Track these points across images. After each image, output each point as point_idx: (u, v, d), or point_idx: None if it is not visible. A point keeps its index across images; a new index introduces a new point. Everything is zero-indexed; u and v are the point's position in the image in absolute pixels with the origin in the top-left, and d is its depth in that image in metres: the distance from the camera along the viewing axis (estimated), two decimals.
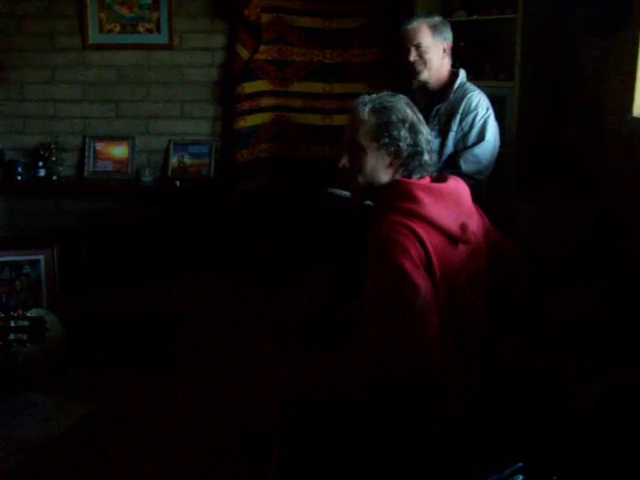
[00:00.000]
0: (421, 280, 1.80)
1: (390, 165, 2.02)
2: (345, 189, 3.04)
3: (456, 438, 1.77)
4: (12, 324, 2.48)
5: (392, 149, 2.01)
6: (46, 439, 2.65)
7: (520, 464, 1.40)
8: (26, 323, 2.50)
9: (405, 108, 2.05)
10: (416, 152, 2.01)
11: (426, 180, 2.04)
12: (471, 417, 1.85)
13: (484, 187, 3.23)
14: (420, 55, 3.26)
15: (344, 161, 2.08)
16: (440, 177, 2.10)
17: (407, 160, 2.01)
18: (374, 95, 2.08)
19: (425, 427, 1.81)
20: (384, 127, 2.00)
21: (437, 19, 3.29)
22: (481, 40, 3.97)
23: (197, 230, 4.48)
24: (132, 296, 4.00)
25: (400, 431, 1.80)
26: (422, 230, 1.85)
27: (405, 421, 1.80)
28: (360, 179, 2.06)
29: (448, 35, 3.31)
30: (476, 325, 2.01)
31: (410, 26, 3.26)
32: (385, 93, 2.10)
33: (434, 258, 1.84)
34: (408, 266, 1.79)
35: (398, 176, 2.03)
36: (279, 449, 1.97)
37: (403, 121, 2.01)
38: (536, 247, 3.16)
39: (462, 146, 3.24)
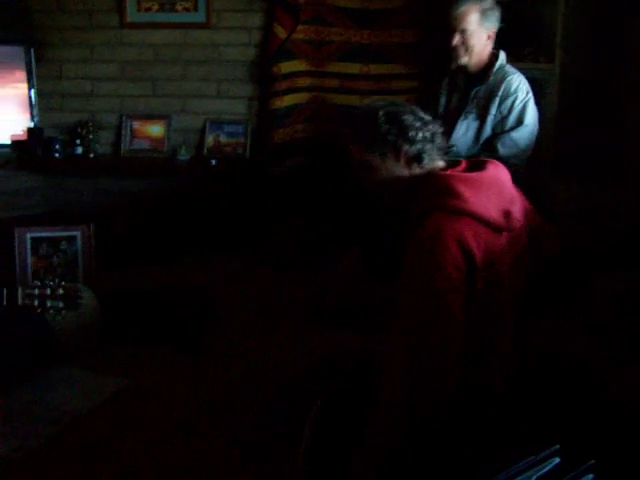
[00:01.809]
0: (455, 295, 1.78)
1: (397, 159, 2.01)
2: None
3: (492, 420, 1.76)
4: (48, 292, 2.51)
5: (388, 148, 2.00)
6: (81, 412, 2.68)
7: (557, 446, 1.39)
8: (61, 291, 2.53)
9: (372, 106, 2.08)
10: (406, 134, 1.99)
11: (461, 167, 2.01)
12: (507, 399, 1.84)
13: (522, 171, 3.19)
14: (464, 41, 3.23)
15: (364, 184, 2.12)
16: (478, 163, 2.04)
17: (406, 146, 2.00)
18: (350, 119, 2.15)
19: (459, 408, 1.80)
20: (368, 137, 2.02)
21: (487, 2, 3.24)
22: (521, 21, 3.91)
23: (232, 209, 4.48)
24: (167, 274, 4.03)
25: (435, 415, 1.79)
26: (468, 230, 1.82)
27: (440, 406, 1.79)
28: (384, 186, 2.08)
29: (495, 21, 3.27)
30: (514, 308, 1.99)
31: (459, 10, 3.22)
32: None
33: (478, 256, 1.81)
34: (440, 282, 1.77)
35: (411, 162, 2.01)
36: (312, 426, 1.97)
37: (376, 119, 2.01)
38: (574, 231, 3.13)
39: (500, 129, 3.21)
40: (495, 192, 1.94)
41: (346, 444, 1.88)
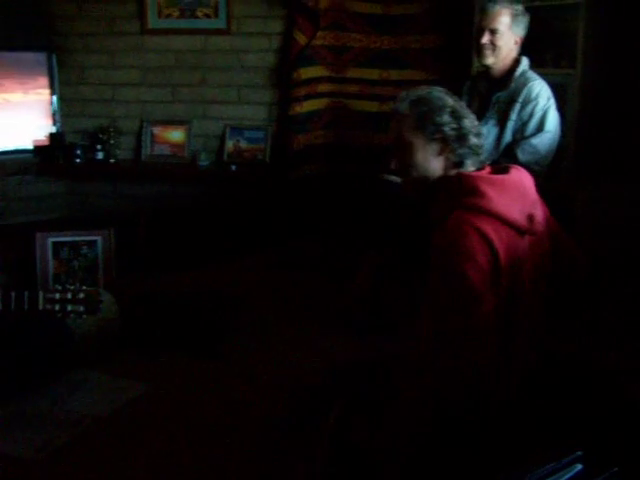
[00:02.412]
0: (484, 288, 1.78)
1: (440, 153, 2.01)
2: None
3: (514, 425, 1.75)
4: (69, 296, 2.53)
5: (438, 136, 1.99)
6: (101, 415, 2.68)
7: (579, 452, 1.38)
8: (82, 295, 2.55)
9: (443, 95, 2.05)
10: (462, 135, 2.00)
11: (486, 171, 2.02)
12: (528, 405, 1.83)
13: (542, 177, 3.18)
14: (492, 40, 3.22)
15: (393, 164, 2.09)
16: (501, 167, 2.06)
17: (455, 145, 2.00)
18: (410, 91, 2.08)
19: (481, 413, 1.79)
20: (426, 116, 2.00)
21: (519, 8, 3.24)
22: (542, 27, 3.89)
23: (251, 215, 4.50)
24: (186, 279, 4.04)
25: (457, 420, 1.78)
26: (490, 227, 1.82)
27: (460, 410, 1.79)
28: (414, 173, 2.04)
29: (524, 27, 3.26)
30: (535, 314, 1.98)
31: (493, 8, 3.21)
32: (421, 86, 2.10)
33: (502, 255, 1.82)
34: (473, 276, 1.77)
35: (451, 165, 2.01)
36: (330, 429, 1.97)
37: (443, 107, 2.01)
38: (594, 238, 3.11)
39: (520, 136, 3.19)
40: (518, 195, 1.95)
41: (363, 451, 1.88)
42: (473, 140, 2.01)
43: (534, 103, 3.15)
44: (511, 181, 1.97)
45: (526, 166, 3.05)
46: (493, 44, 3.23)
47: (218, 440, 2.53)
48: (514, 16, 3.23)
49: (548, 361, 1.99)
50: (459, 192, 1.92)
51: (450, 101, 2.04)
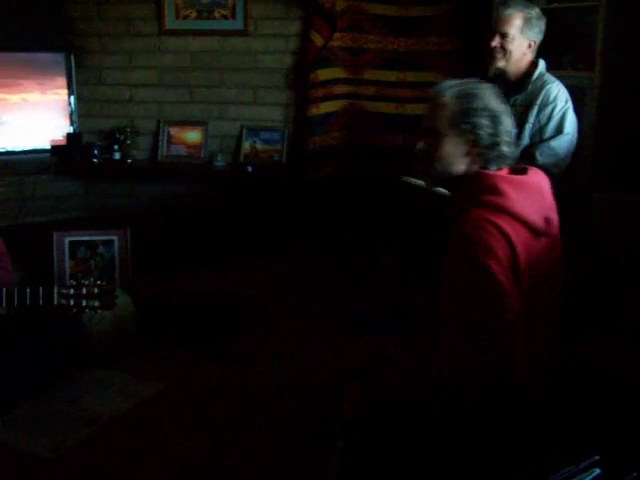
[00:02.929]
0: (508, 282, 1.77)
1: (467, 154, 1.96)
2: (419, 178, 3.03)
3: (531, 429, 1.74)
4: (84, 291, 2.54)
5: (471, 137, 1.94)
6: (116, 414, 2.70)
7: (597, 457, 1.37)
8: (97, 290, 2.56)
9: (489, 96, 1.97)
10: (495, 143, 1.94)
11: (505, 171, 1.99)
12: (546, 408, 1.82)
13: (560, 180, 3.16)
14: (502, 44, 3.21)
15: (421, 145, 2.03)
16: (519, 168, 2.03)
17: (485, 150, 1.94)
18: (459, 80, 2.01)
19: (499, 416, 1.79)
20: (465, 113, 1.94)
21: (534, 12, 3.22)
22: (560, 29, 3.87)
23: (268, 215, 4.50)
24: (202, 279, 4.05)
25: (475, 423, 1.78)
26: (508, 226, 1.81)
27: (479, 413, 1.78)
28: (436, 165, 2.01)
29: (539, 31, 3.25)
30: (550, 316, 1.98)
31: (505, 12, 3.20)
32: (472, 80, 2.03)
33: (520, 253, 1.81)
34: (495, 268, 1.75)
35: (475, 167, 1.97)
36: (345, 434, 1.96)
37: (484, 109, 1.94)
38: (611, 243, 3.10)
39: (538, 138, 3.18)
40: (537, 197, 1.94)
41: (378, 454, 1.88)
42: (504, 148, 1.96)
43: (552, 106, 3.14)
44: (530, 182, 1.96)
45: (545, 169, 3.04)
46: (503, 48, 3.22)
47: (231, 440, 2.54)
48: (527, 20, 3.21)
49: (564, 364, 1.98)
50: (479, 190, 1.91)
51: (493, 104, 1.97)
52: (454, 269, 1.84)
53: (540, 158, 3.13)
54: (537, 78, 3.22)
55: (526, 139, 3.20)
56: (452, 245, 1.86)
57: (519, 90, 3.24)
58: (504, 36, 3.20)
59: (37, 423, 2.61)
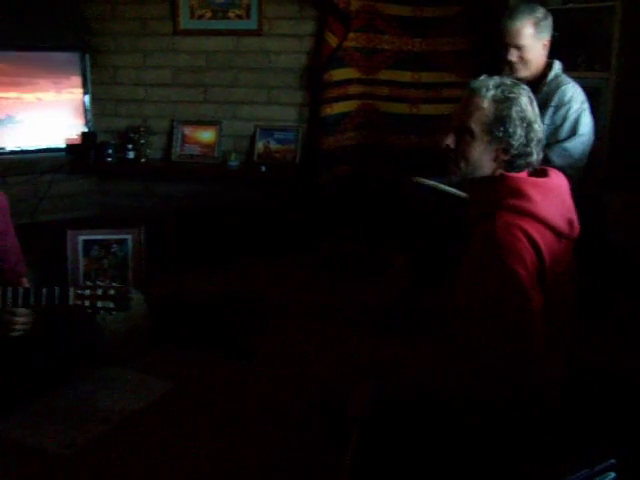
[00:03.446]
0: (532, 287, 1.77)
1: (495, 159, 1.95)
2: (432, 177, 3.02)
3: (547, 432, 1.74)
4: (99, 292, 2.55)
5: (502, 145, 1.92)
6: (129, 412, 2.71)
7: (612, 460, 1.36)
8: (112, 292, 2.56)
9: (526, 104, 1.95)
10: (525, 152, 1.93)
11: (524, 173, 1.98)
12: (561, 411, 1.82)
13: (575, 181, 3.15)
14: (521, 56, 3.19)
15: (449, 141, 1.99)
16: (539, 170, 2.02)
17: (514, 158, 1.93)
18: (498, 80, 1.98)
19: (518, 419, 1.78)
20: (501, 120, 1.91)
21: (540, 13, 3.19)
22: (574, 30, 3.86)
23: (281, 215, 4.50)
24: (215, 278, 4.06)
25: (494, 425, 1.77)
26: (534, 230, 1.81)
27: (500, 416, 1.78)
28: (462, 165, 1.98)
29: (549, 30, 3.22)
30: (569, 320, 1.98)
31: (513, 26, 3.16)
32: (509, 81, 1.99)
33: (546, 257, 1.81)
34: (523, 274, 1.76)
35: (500, 171, 1.96)
36: (359, 434, 1.96)
37: (522, 119, 1.92)
38: (628, 241, 3.08)
39: (554, 140, 3.16)
40: (559, 200, 1.94)
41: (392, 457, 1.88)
42: (534, 157, 1.95)
43: (567, 107, 3.12)
44: (553, 185, 1.96)
45: (560, 170, 3.04)
46: (523, 59, 3.20)
47: (244, 439, 2.54)
48: (536, 24, 3.18)
49: (579, 367, 1.97)
50: (503, 193, 1.90)
51: (529, 112, 1.95)
52: (479, 271, 1.84)
53: (555, 159, 3.11)
54: (552, 79, 3.20)
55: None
56: (477, 248, 1.86)
57: (534, 91, 3.18)
58: (520, 48, 3.18)
59: (51, 420, 2.63)
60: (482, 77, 2.00)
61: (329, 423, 2.51)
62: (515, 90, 1.96)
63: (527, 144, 1.93)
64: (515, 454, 1.69)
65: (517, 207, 1.84)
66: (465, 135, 1.96)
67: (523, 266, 1.76)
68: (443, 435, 1.78)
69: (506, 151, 1.93)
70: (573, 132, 3.12)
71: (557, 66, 3.23)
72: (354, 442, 1.94)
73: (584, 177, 3.22)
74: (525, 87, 2.02)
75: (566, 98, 3.12)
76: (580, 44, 3.79)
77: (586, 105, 3.15)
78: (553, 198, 1.91)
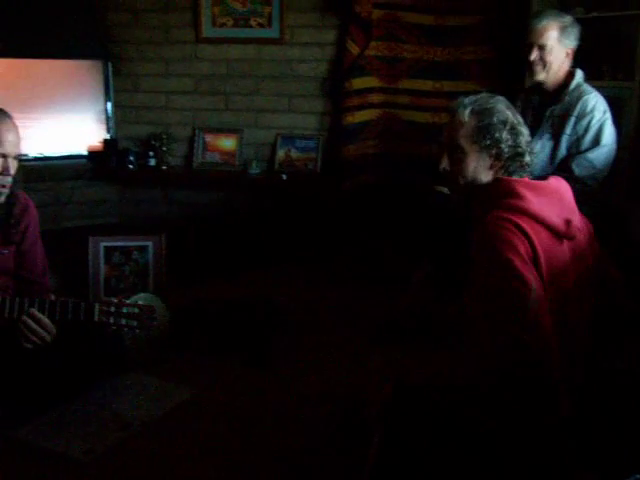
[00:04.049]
0: (531, 275, 1.77)
1: (491, 167, 2.03)
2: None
3: (565, 443, 1.72)
4: (124, 310, 2.56)
5: (493, 151, 2.01)
6: (148, 419, 2.71)
7: (637, 476, 1.34)
8: (137, 310, 2.58)
9: (505, 110, 2.04)
10: (517, 153, 2.02)
11: (525, 178, 2.03)
12: (578, 423, 1.80)
13: (597, 191, 3.13)
14: (541, 56, 3.17)
15: (444, 164, 2.09)
16: (540, 177, 2.09)
17: (508, 162, 2.02)
18: (473, 97, 2.07)
19: (534, 426, 1.76)
20: (485, 129, 2.01)
21: (568, 19, 3.18)
22: (598, 38, 3.83)
23: (302, 223, 4.50)
24: (235, 286, 4.06)
25: (510, 429, 1.76)
26: (527, 226, 1.83)
27: (515, 419, 1.76)
28: (461, 180, 2.06)
29: (575, 39, 3.20)
30: (582, 327, 1.96)
31: (539, 24, 3.16)
32: (484, 94, 2.09)
33: (540, 253, 1.82)
34: (517, 262, 1.77)
35: (498, 176, 2.03)
36: (380, 439, 1.95)
37: (504, 122, 2.01)
38: None
39: (576, 150, 3.14)
40: (556, 200, 1.97)
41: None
42: (526, 159, 2.04)
43: (590, 117, 3.09)
44: (548, 186, 2.00)
45: (581, 180, 3.03)
46: (543, 60, 3.19)
47: (262, 447, 2.53)
48: (562, 29, 3.17)
49: (600, 377, 1.95)
50: (497, 194, 1.95)
51: (510, 116, 2.04)
52: (478, 268, 1.86)
53: (577, 170, 3.10)
54: (574, 88, 3.17)
55: (563, 150, 3.16)
56: (475, 245, 1.88)
57: (556, 101, 3.20)
58: (542, 48, 3.17)
59: (70, 426, 2.63)
60: (459, 98, 2.09)
61: (347, 430, 2.50)
62: (491, 100, 2.06)
63: (516, 145, 2.01)
64: (532, 459, 1.67)
65: (510, 205, 1.89)
66: (457, 153, 2.05)
67: (516, 254, 1.78)
68: (461, 440, 1.77)
69: (498, 156, 2.01)
70: (596, 142, 3.10)
71: (579, 75, 3.21)
72: (374, 450, 1.93)
73: (607, 187, 3.20)
74: (501, 97, 2.10)
75: (588, 108, 3.10)
76: (604, 53, 3.77)
77: (608, 115, 3.13)
78: (548, 198, 1.94)
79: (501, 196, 1.93)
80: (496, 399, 1.77)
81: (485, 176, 2.03)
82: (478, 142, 2.01)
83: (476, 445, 1.76)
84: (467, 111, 2.03)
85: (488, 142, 2.00)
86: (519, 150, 2.01)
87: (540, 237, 1.84)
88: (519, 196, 1.90)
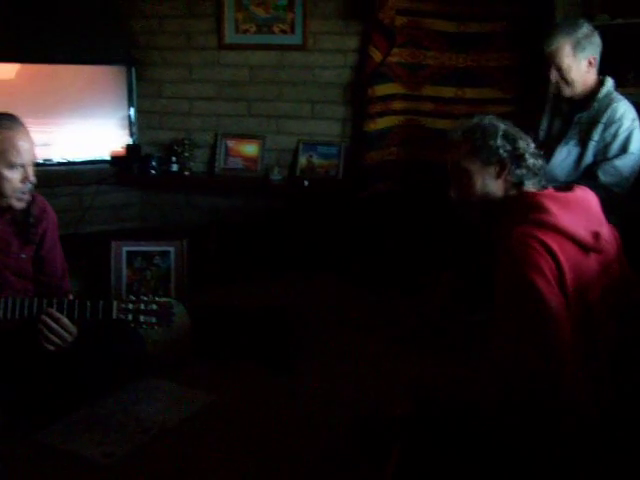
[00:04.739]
0: (554, 297, 1.76)
1: (498, 175, 2.04)
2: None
3: (588, 458, 1.70)
4: (142, 307, 2.56)
5: (494, 159, 2.03)
6: (168, 424, 2.71)
7: None
8: (155, 307, 2.58)
9: (494, 121, 2.10)
10: (518, 155, 2.03)
11: (548, 191, 2.02)
12: (605, 438, 1.77)
13: (623, 200, 3.10)
14: (562, 76, 3.16)
15: (453, 192, 2.15)
16: (565, 187, 2.07)
17: (513, 166, 2.03)
18: (463, 120, 2.17)
19: (554, 442, 1.74)
20: (480, 141, 2.05)
21: (581, 33, 3.14)
22: (624, 45, 3.80)
23: (323, 230, 4.49)
24: (256, 291, 4.06)
25: (529, 444, 1.74)
26: (553, 241, 1.81)
27: (534, 434, 1.74)
28: (473, 199, 2.08)
29: (594, 47, 3.17)
30: (608, 340, 1.93)
31: (550, 48, 3.15)
32: (474, 117, 2.15)
33: (566, 270, 1.80)
34: (540, 283, 1.76)
35: (510, 186, 2.04)
36: (401, 445, 1.95)
37: (495, 131, 2.06)
38: None
39: (602, 157, 3.11)
40: (583, 212, 1.95)
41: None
42: (530, 160, 2.05)
43: (618, 124, 3.06)
44: (575, 198, 1.98)
45: (607, 188, 3.00)
46: (564, 79, 3.17)
47: (283, 453, 2.52)
48: (576, 44, 3.13)
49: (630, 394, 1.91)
50: (522, 209, 1.94)
51: (502, 125, 2.08)
52: (502, 285, 1.85)
53: (603, 177, 3.07)
54: (604, 96, 3.14)
55: (589, 157, 3.13)
56: (499, 262, 1.87)
57: (584, 107, 3.17)
58: (559, 69, 3.15)
59: (92, 429, 2.64)
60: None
61: (367, 437, 2.49)
62: (478, 118, 2.13)
63: (515, 149, 2.04)
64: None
65: (535, 219, 1.87)
66: (462, 177, 2.09)
67: (541, 275, 1.77)
68: (481, 453, 1.76)
69: (501, 163, 2.03)
70: (623, 150, 3.07)
71: (609, 83, 3.18)
72: (398, 447, 1.93)
73: (633, 196, 3.17)
74: (491, 116, 2.15)
75: (617, 116, 3.07)
76: (629, 60, 3.73)
77: (637, 123, 3.10)
78: (574, 210, 1.92)
79: (526, 210, 1.91)
80: (508, 420, 1.76)
81: (496, 188, 2.04)
82: (477, 155, 2.04)
83: (494, 459, 1.75)
84: (459, 133, 2.10)
85: (486, 152, 2.03)
86: (519, 152, 2.03)
87: (567, 252, 1.82)
88: (545, 210, 1.88)
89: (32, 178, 2.60)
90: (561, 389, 1.72)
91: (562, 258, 1.80)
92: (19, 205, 2.63)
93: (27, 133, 2.61)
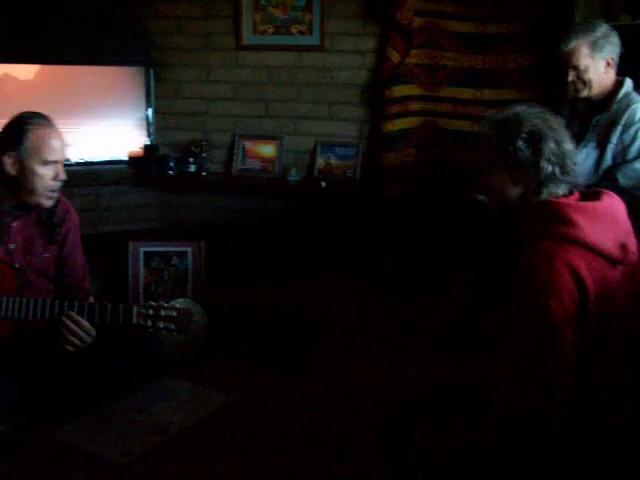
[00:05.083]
0: (563, 322, 1.72)
1: (514, 177, 1.92)
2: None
3: (612, 461, 1.68)
4: (162, 313, 2.58)
5: (512, 161, 1.90)
6: (185, 424, 2.72)
7: None
8: (174, 314, 2.59)
9: (525, 117, 1.93)
10: (536, 162, 1.89)
11: (574, 197, 1.92)
12: (628, 441, 1.76)
13: None
14: (578, 76, 3.13)
15: (482, 196, 2.10)
16: (592, 193, 1.95)
17: (531, 171, 1.90)
18: (494, 112, 2.02)
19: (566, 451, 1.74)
20: (502, 140, 1.91)
21: (599, 32, 3.12)
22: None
23: (341, 231, 4.48)
24: (273, 292, 4.06)
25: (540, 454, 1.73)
26: (579, 258, 1.75)
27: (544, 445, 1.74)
28: (491, 202, 2.02)
29: (612, 47, 3.14)
30: (632, 349, 1.90)
31: (567, 48, 3.12)
32: (519, 106, 1.97)
33: (590, 286, 1.74)
34: (556, 310, 1.71)
35: (531, 190, 1.92)
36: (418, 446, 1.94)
37: (517, 131, 1.90)
38: None
39: (621, 159, 3.09)
40: (610, 223, 1.86)
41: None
42: (548, 168, 1.89)
43: (637, 126, 3.04)
44: (602, 208, 1.88)
45: (626, 190, 2.97)
46: (581, 79, 3.14)
47: (299, 454, 2.53)
48: (593, 44, 3.11)
49: None
50: (548, 220, 1.84)
51: (532, 121, 1.92)
52: (517, 300, 1.80)
53: (622, 180, 3.05)
54: (623, 97, 3.12)
55: (608, 160, 3.11)
56: (519, 276, 1.81)
57: (603, 109, 3.15)
58: (576, 69, 3.13)
59: (109, 428, 2.66)
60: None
61: (386, 438, 2.48)
62: (515, 110, 1.96)
63: (535, 153, 1.89)
64: None
65: (562, 234, 1.79)
66: (484, 174, 1.99)
67: (559, 301, 1.71)
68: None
69: (520, 167, 1.90)
70: None
71: (628, 84, 3.16)
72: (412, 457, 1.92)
73: None
74: (539, 108, 1.97)
75: (636, 117, 3.05)
76: None
77: None
78: (603, 222, 1.83)
79: (553, 222, 1.82)
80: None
81: (514, 190, 1.93)
82: (498, 155, 1.92)
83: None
84: (486, 125, 1.99)
85: (507, 153, 1.90)
86: (538, 159, 1.88)
87: (592, 268, 1.76)
88: (571, 223, 1.79)
89: (63, 176, 2.66)
90: (557, 427, 1.72)
91: (587, 276, 1.74)
92: (48, 203, 2.67)
93: (59, 132, 2.66)
